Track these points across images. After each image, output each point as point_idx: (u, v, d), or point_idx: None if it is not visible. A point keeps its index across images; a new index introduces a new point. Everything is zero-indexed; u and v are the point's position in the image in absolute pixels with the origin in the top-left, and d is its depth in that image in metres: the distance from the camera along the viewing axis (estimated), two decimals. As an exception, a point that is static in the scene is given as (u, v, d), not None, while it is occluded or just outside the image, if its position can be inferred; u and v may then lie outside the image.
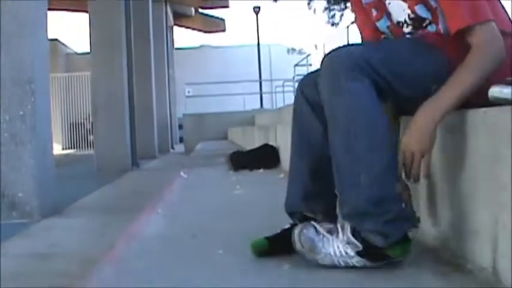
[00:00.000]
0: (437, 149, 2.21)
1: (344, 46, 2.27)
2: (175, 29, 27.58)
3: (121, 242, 3.01)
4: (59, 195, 5.24)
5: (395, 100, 2.27)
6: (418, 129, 2.08)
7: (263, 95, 24.42)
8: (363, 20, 2.65)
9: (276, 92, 21.78)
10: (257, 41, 25.45)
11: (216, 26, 28.15)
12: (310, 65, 16.23)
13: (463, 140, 2.07)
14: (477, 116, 1.97)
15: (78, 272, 2.77)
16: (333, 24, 23.62)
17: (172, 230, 3.31)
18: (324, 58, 2.18)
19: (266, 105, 24.83)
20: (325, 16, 23.77)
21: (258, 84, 24.70)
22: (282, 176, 5.59)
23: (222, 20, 28.18)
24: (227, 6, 24.49)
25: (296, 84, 15.32)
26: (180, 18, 26.42)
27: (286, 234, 2.39)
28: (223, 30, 28.70)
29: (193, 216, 3.74)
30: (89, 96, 20.20)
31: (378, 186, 2.10)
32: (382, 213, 2.09)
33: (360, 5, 2.60)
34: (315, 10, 23.71)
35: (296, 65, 16.71)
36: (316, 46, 39.51)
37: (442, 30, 2.28)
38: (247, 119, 18.23)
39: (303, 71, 16.70)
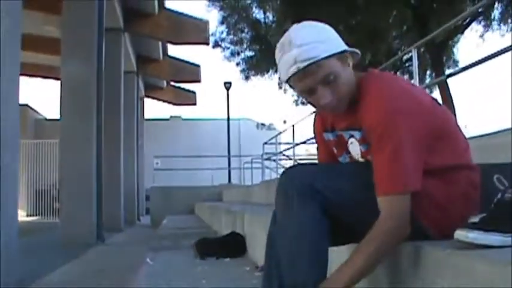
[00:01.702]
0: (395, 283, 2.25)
1: (299, 166, 2.36)
2: (146, 100, 27.66)
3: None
4: (23, 271, 5.06)
5: (342, 220, 2.27)
6: None
7: (231, 171, 24.40)
8: (323, 150, 2.64)
9: (244, 168, 21.79)
10: (227, 116, 25.53)
11: (187, 98, 28.30)
12: (280, 143, 16.23)
13: (424, 279, 2.04)
14: (441, 255, 1.94)
15: None
16: (301, 104, 23.89)
17: None
18: (282, 175, 2.29)
19: (234, 180, 24.78)
20: (294, 95, 24.05)
21: (226, 159, 24.70)
22: (248, 268, 5.45)
23: (193, 93, 28.34)
24: (199, 81, 24.64)
25: (265, 162, 15.24)
26: (152, 89, 26.55)
27: None
28: (194, 104, 28.83)
29: None
30: (56, 163, 20.06)
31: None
32: None
33: (321, 138, 2.60)
34: (285, 90, 23.98)
35: (265, 143, 16.72)
36: (285, 121, 39.98)
37: None
38: (215, 194, 18.15)
39: (272, 149, 16.73)
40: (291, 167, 2.33)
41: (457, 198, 2.18)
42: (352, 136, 2.35)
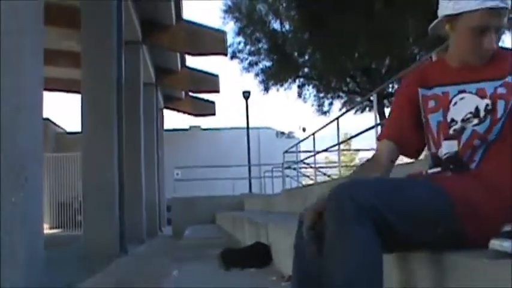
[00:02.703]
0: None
1: (356, 182, 2.25)
2: (165, 111, 27.72)
3: None
4: (49, 284, 5.10)
5: (396, 237, 2.23)
6: None
7: (252, 180, 24.39)
8: (395, 118, 2.67)
9: (264, 177, 21.78)
10: (246, 125, 25.55)
11: (206, 109, 28.32)
12: (300, 151, 16.24)
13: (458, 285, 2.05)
14: (477, 265, 1.94)
15: None
16: (322, 113, 23.86)
17: None
18: (337, 191, 2.16)
19: (255, 189, 24.76)
20: (314, 104, 24.05)
21: (246, 168, 24.69)
22: (274, 278, 5.45)
23: (212, 103, 28.36)
24: (217, 91, 24.67)
25: (286, 171, 15.25)
26: (170, 100, 26.60)
27: None
28: (213, 114, 28.85)
29: None
30: (78, 176, 20.15)
31: None
32: None
33: (405, 100, 2.62)
34: (304, 98, 23.98)
35: (286, 151, 16.73)
36: (304, 129, 39.88)
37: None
38: (236, 204, 18.14)
39: (293, 157, 16.73)
40: (346, 183, 2.20)
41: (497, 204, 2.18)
42: (467, 91, 2.42)
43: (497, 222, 2.00)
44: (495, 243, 1.90)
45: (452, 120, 2.42)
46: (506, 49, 2.51)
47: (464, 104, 2.40)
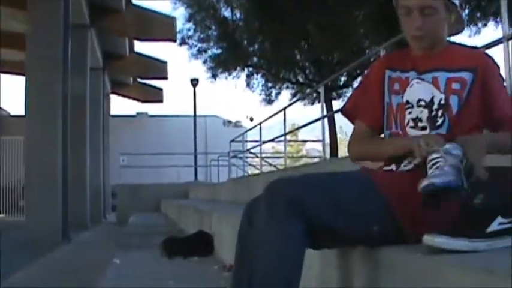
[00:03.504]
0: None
1: (288, 179, 2.29)
2: (112, 96, 27.45)
3: None
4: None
5: (330, 234, 2.27)
6: None
7: (198, 168, 24.34)
8: (366, 89, 2.72)
9: (211, 166, 21.76)
10: (194, 113, 25.45)
11: (154, 95, 28.13)
12: (246, 141, 16.27)
13: (394, 284, 2.09)
14: (411, 260, 1.99)
15: None
16: (269, 102, 23.87)
17: None
18: (269, 187, 2.22)
19: (201, 177, 24.72)
20: (262, 93, 24.05)
21: (193, 156, 24.62)
22: (216, 267, 5.45)
23: (160, 89, 28.18)
24: (166, 78, 24.52)
25: (232, 160, 15.26)
26: (118, 86, 26.34)
27: None
28: (161, 101, 28.69)
29: None
30: (21, 160, 19.83)
31: None
32: None
33: (379, 76, 2.64)
34: (252, 88, 23.97)
35: (232, 140, 16.73)
36: (251, 119, 39.91)
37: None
38: (182, 192, 18.11)
39: (239, 146, 16.73)
40: (278, 180, 2.26)
41: None
42: (422, 79, 2.47)
43: (436, 221, 2.05)
44: (428, 239, 1.94)
45: (408, 102, 2.48)
46: (464, 45, 2.61)
47: (420, 89, 2.46)
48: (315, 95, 21.20)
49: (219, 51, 23.28)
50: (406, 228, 2.18)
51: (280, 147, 20.93)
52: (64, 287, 5.49)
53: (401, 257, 2.06)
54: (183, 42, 23.21)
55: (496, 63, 2.50)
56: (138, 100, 28.65)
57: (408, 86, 2.50)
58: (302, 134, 30.13)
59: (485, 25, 18.72)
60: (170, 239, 7.06)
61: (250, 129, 15.48)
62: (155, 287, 4.61)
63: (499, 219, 2.02)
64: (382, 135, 2.63)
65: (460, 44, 2.60)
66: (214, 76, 23.51)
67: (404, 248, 2.12)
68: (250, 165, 17.07)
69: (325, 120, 9.33)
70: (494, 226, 2.00)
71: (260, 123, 13.33)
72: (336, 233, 2.23)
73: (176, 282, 4.76)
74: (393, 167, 2.38)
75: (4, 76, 23.42)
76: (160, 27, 18.57)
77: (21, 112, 11.39)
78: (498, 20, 17.05)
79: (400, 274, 2.04)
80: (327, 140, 16.07)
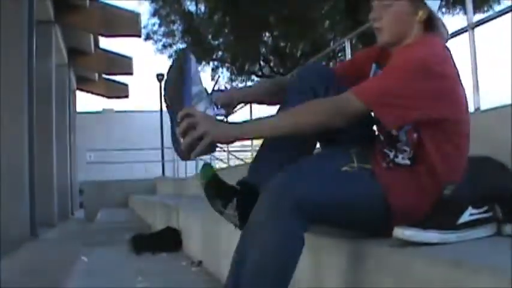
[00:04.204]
0: (338, 280, 2.29)
1: (288, 179, 2.16)
2: (78, 93, 27.27)
3: None
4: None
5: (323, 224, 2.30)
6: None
7: (165, 163, 24.29)
8: (346, 67, 2.74)
9: (178, 160, 21.73)
10: (160, 108, 25.40)
11: (119, 91, 27.98)
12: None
13: (366, 277, 2.11)
14: (381, 253, 2.02)
15: None
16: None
17: None
18: (274, 183, 2.15)
19: (168, 172, 24.68)
20: (228, 87, 24.04)
21: (160, 151, 24.58)
22: (184, 263, 5.50)
23: (126, 85, 28.05)
24: (131, 73, 24.42)
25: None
26: (83, 82, 26.15)
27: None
28: (127, 96, 28.55)
29: None
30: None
31: None
32: None
33: (359, 60, 2.68)
34: (217, 80, 23.95)
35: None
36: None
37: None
38: (149, 187, 18.12)
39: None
40: (285, 176, 2.16)
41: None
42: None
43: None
44: (398, 231, 1.96)
45: None
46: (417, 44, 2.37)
47: None
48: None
49: (184, 45, 23.26)
50: (394, 222, 2.13)
51: (247, 141, 20.96)
52: (31, 286, 5.49)
53: (372, 250, 2.09)
54: (148, 38, 23.20)
55: (405, 59, 2.25)
56: (104, 96, 28.47)
57: None
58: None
59: (454, 14, 18.94)
60: (138, 236, 7.13)
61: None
62: (123, 284, 4.63)
63: (470, 209, 2.03)
64: None
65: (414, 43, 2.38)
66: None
67: (377, 240, 2.14)
68: (217, 159, 17.09)
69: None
70: (465, 217, 2.01)
71: (226, 117, 13.36)
72: (332, 225, 2.28)
73: (145, 278, 4.80)
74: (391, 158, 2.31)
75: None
76: (125, 23, 18.50)
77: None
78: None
79: (371, 267, 2.06)
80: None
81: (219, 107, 2.51)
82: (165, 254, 6.25)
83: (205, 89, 2.46)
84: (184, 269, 5.18)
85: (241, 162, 13.74)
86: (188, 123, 2.23)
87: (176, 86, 2.41)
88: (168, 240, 6.65)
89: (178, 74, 2.42)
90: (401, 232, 1.95)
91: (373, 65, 2.58)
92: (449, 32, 2.46)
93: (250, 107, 10.89)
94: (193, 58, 2.45)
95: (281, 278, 2.09)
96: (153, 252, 6.39)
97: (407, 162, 2.25)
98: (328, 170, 2.22)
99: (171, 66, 2.50)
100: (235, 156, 14.47)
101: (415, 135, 2.22)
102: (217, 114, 2.46)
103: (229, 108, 2.65)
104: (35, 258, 8.18)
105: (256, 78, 23.78)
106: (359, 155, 2.28)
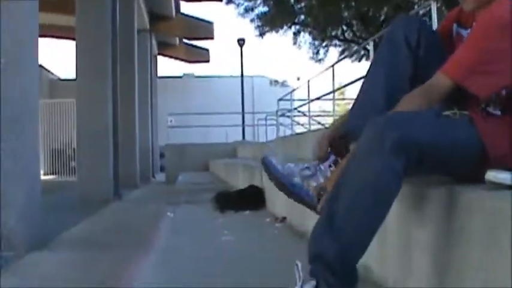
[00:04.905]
0: (429, 226, 2.28)
1: (393, 117, 2.20)
2: (159, 58, 27.62)
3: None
4: (43, 228, 5.20)
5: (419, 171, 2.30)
6: None
7: (245, 128, 24.42)
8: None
9: (258, 125, 21.82)
10: (241, 72, 25.51)
11: (200, 56, 28.24)
12: (294, 99, 16.27)
13: (457, 221, 2.09)
14: (473, 197, 1.99)
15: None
16: (317, 61, 23.75)
17: (167, 283, 3.11)
18: (371, 124, 2.17)
19: (248, 137, 24.82)
20: (309, 52, 23.93)
21: (240, 116, 24.70)
22: (268, 220, 5.55)
23: (206, 50, 28.27)
24: (212, 38, 24.58)
25: (280, 119, 15.26)
26: (164, 47, 26.49)
27: None
28: (207, 61, 28.81)
29: (186, 266, 3.56)
30: (71, 123, 20.17)
31: (355, 252, 2.16)
32: (343, 274, 2.14)
33: (446, 27, 2.67)
34: (299, 45, 23.82)
35: (280, 99, 16.76)
36: (298, 78, 39.79)
37: None
38: (229, 151, 18.23)
39: (287, 105, 16.76)
40: (390, 116, 2.20)
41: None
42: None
43: None
44: (490, 175, 1.97)
45: None
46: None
47: None
48: (363, 52, 21.02)
49: (266, 9, 23.16)
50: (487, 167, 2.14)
51: (328, 106, 20.82)
52: (119, 240, 5.66)
53: (464, 194, 2.06)
54: (229, 1, 23.16)
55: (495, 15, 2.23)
56: (185, 61, 28.77)
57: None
58: (350, 94, 29.95)
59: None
60: (221, 194, 7.15)
61: (298, 88, 15.45)
62: (209, 238, 4.72)
63: None
64: None
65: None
66: (261, 35, 23.42)
67: (469, 185, 2.12)
68: (298, 124, 17.08)
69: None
70: None
71: (308, 81, 13.33)
72: (427, 169, 2.25)
73: (230, 232, 4.88)
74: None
75: (53, 41, 23.75)
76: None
77: (70, 76, 11.55)
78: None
79: (463, 211, 2.04)
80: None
81: (330, 157, 2.53)
82: (248, 212, 6.31)
83: (306, 166, 2.50)
84: (268, 225, 5.24)
85: (321, 127, 13.70)
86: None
87: (284, 190, 2.53)
88: (252, 198, 6.67)
89: (276, 182, 2.55)
90: (493, 175, 1.95)
91: (454, 25, 2.59)
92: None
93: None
94: (273, 160, 2.53)
95: (376, 213, 2.12)
96: (237, 210, 6.44)
97: (498, 112, 2.29)
98: (430, 113, 2.24)
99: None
100: (316, 121, 14.45)
101: (503, 91, 2.26)
102: (330, 166, 2.51)
103: (337, 149, 2.61)
104: (121, 215, 8.41)
105: (338, 43, 23.55)
106: (458, 103, 2.30)
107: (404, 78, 2.50)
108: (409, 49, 2.53)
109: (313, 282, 2.15)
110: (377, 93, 2.54)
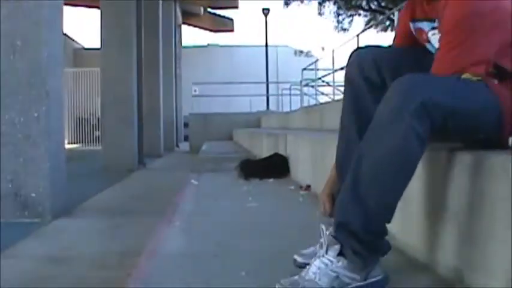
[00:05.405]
0: (455, 190, 2.27)
1: (416, 79, 2.19)
2: (184, 27, 27.58)
3: (142, 259, 2.95)
4: (68, 195, 5.25)
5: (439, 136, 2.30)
6: None
7: (269, 97, 24.39)
8: (400, 35, 2.77)
9: (282, 95, 21.77)
10: (265, 42, 25.43)
11: (224, 25, 28.16)
12: (318, 69, 16.20)
13: (482, 183, 2.08)
14: (497, 162, 1.98)
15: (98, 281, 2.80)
16: (341, 30, 23.63)
17: (192, 247, 3.17)
18: (396, 84, 2.16)
19: (272, 107, 24.80)
20: (334, 21, 23.81)
21: (264, 86, 24.66)
22: (292, 187, 5.57)
23: (231, 19, 28.18)
24: (236, 7, 24.51)
25: (304, 89, 15.22)
26: (189, 16, 26.43)
27: None
28: (232, 30, 28.71)
29: (211, 231, 3.59)
30: (95, 92, 20.26)
31: (380, 219, 2.18)
32: (368, 242, 2.16)
33: (405, 25, 2.68)
34: (324, 15, 23.70)
35: (304, 69, 16.68)
36: (323, 48, 39.61)
37: None
38: (253, 121, 18.25)
39: (311, 75, 16.69)
40: (413, 77, 2.18)
41: None
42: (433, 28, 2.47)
43: None
44: None
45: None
46: None
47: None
48: (388, 22, 20.86)
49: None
50: (503, 139, 2.24)
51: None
52: (143, 207, 5.71)
53: (487, 159, 2.07)
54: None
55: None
56: (209, 30, 28.71)
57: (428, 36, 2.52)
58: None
59: None
60: (246, 162, 7.15)
61: (322, 58, 15.37)
62: (234, 204, 4.75)
63: None
64: None
65: None
66: (286, 4, 23.33)
67: (491, 150, 2.13)
68: (322, 94, 17.04)
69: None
70: None
71: (333, 51, 13.26)
72: (450, 132, 2.24)
73: (255, 199, 4.91)
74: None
75: (77, 9, 23.76)
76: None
77: (93, 45, 11.56)
78: None
79: (486, 176, 2.04)
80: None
81: None
82: (272, 180, 6.33)
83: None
84: (293, 192, 5.27)
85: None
86: None
87: None
88: (276, 166, 6.70)
89: None
90: None
91: (410, 24, 2.62)
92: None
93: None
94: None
95: (400, 176, 2.12)
96: (261, 177, 6.46)
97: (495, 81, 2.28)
98: (451, 77, 2.23)
99: None
100: (340, 91, 14.39)
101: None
102: None
103: None
104: (146, 182, 8.48)
105: (363, 13, 23.38)
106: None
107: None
108: (370, 85, 2.55)
109: (337, 247, 2.18)
110: (352, 138, 2.55)
